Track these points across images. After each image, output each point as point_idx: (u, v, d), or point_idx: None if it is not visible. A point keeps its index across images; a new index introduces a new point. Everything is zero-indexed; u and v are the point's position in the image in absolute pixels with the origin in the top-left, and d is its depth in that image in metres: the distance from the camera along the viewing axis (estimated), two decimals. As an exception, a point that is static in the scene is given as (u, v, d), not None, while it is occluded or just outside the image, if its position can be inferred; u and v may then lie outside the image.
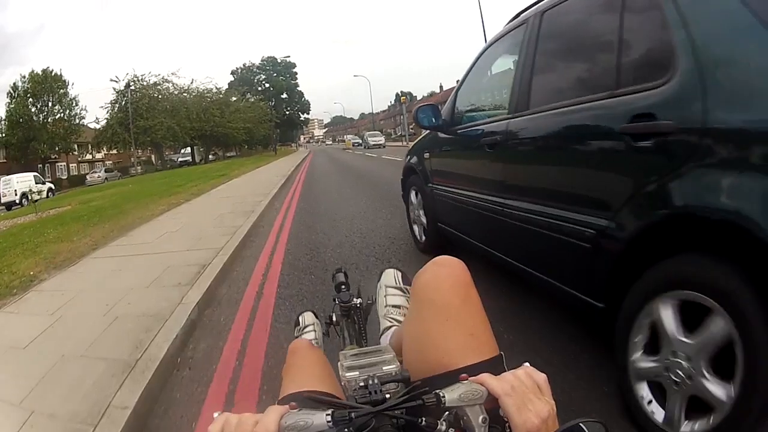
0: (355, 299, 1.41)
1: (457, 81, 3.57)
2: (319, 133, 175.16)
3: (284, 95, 63.05)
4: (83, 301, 3.44)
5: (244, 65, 61.85)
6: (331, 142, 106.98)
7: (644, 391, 1.49)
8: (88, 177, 40.20)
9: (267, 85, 60.41)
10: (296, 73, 64.31)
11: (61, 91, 39.86)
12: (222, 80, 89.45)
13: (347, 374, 0.83)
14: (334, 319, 1.45)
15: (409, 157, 4.09)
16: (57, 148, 40.43)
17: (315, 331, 1.54)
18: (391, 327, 1.35)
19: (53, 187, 30.04)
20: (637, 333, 1.51)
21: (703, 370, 1.27)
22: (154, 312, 2.95)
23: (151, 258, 4.51)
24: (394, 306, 1.39)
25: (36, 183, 28.21)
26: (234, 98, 45.66)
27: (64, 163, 48.28)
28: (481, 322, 0.86)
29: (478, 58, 3.10)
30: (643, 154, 1.48)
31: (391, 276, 1.46)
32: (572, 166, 1.93)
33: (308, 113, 71.49)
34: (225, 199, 9.14)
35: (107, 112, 38.81)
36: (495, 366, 0.79)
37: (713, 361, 1.26)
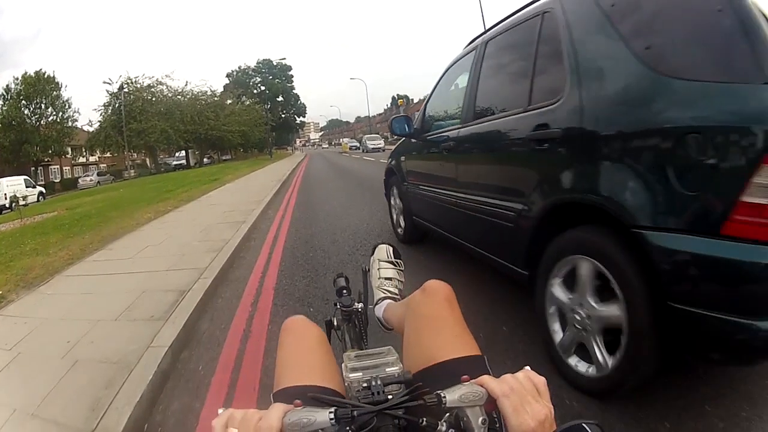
0: (356, 304, 1.42)
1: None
2: (315, 136, 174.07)
3: (280, 98, 62.16)
4: (44, 335, 2.97)
5: (239, 68, 60.89)
6: (327, 146, 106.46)
7: (555, 326, 2.00)
8: (80, 181, 39.48)
9: (263, 87, 59.45)
10: (292, 76, 63.50)
11: (54, 93, 39.12)
12: (217, 83, 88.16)
13: (351, 375, 0.87)
14: (335, 323, 1.44)
15: (390, 159, 4.67)
16: (50, 151, 39.72)
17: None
18: (384, 299, 1.44)
19: (44, 191, 29.36)
20: (549, 288, 1.97)
21: (590, 300, 1.76)
22: (118, 357, 2.45)
23: (127, 279, 4.00)
24: (386, 278, 1.48)
25: (26, 187, 27.64)
26: (229, 101, 44.92)
27: (58, 166, 47.59)
28: (464, 329, 0.99)
29: (443, 75, 3.61)
30: (542, 155, 2.00)
31: (383, 251, 1.55)
32: (499, 164, 2.51)
33: (304, 116, 70.61)
34: (215, 207, 8.62)
35: (100, 115, 38.00)
36: (478, 364, 0.88)
37: (598, 293, 1.73)
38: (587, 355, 1.82)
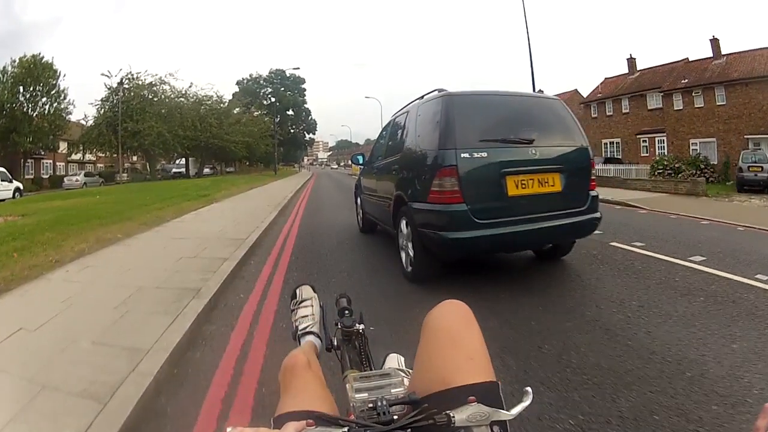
0: (357, 325, 1.40)
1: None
2: (323, 155, 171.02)
3: (290, 111, 59.78)
4: None
5: (250, 76, 58.69)
6: (336, 166, 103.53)
7: (403, 254, 4.48)
8: (65, 180, 35.98)
9: (273, 99, 56.80)
10: (305, 90, 61.26)
11: (52, 81, 36.76)
12: (227, 91, 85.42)
13: (357, 395, 0.90)
14: (335, 343, 1.42)
15: (357, 179, 7.95)
16: (40, 145, 37.26)
17: (312, 306, 1.60)
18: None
19: (21, 187, 26.72)
20: (401, 236, 4.51)
21: (405, 234, 4.41)
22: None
23: None
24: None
25: (2, 180, 25.15)
26: (237, 109, 42.50)
27: (51, 161, 45.15)
28: (481, 350, 0.93)
29: (382, 129, 6.46)
30: (395, 175, 4.82)
31: (394, 360, 1.50)
32: (387, 180, 5.17)
33: (314, 133, 68.32)
34: (177, 244, 6.03)
35: (97, 110, 35.46)
36: (491, 390, 0.84)
37: (411, 240, 4.26)
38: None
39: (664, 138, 26.78)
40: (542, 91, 6.35)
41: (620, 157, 28.66)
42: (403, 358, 1.50)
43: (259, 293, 4.07)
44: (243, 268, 4.97)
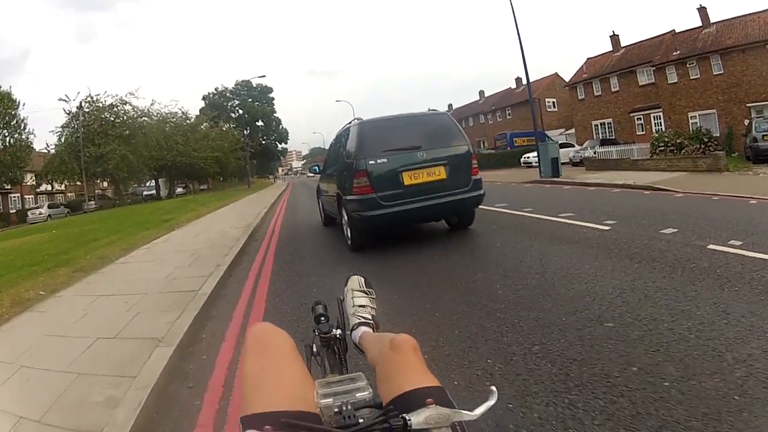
0: (334, 330, 1.43)
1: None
2: (297, 164, 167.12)
3: (260, 122, 56.99)
4: None
5: (216, 89, 55.67)
6: (312, 174, 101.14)
7: (346, 232, 6.33)
8: (29, 214, 33.93)
9: (241, 111, 52.78)
10: (273, 99, 58.56)
11: (11, 112, 34.45)
12: (192, 107, 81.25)
13: (322, 401, 0.87)
14: (314, 349, 1.43)
15: (318, 184, 9.68)
16: (3, 179, 34.90)
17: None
18: (360, 325, 1.49)
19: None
20: (343, 220, 6.38)
21: (344, 218, 6.33)
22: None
23: None
24: (360, 306, 1.59)
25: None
26: (204, 124, 40.20)
27: (18, 194, 42.55)
28: (428, 371, 0.97)
29: (330, 146, 8.82)
30: (336, 178, 6.75)
31: (356, 281, 1.64)
32: (333, 182, 7.01)
33: (286, 143, 65.24)
34: (102, 306, 4.26)
35: (58, 138, 33.21)
36: (441, 393, 0.86)
37: (347, 221, 6.20)
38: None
39: (660, 114, 25.57)
40: (435, 110, 7.76)
41: (614, 137, 27.33)
42: (363, 279, 1.65)
43: (230, 344, 2.53)
44: (184, 361, 3.08)
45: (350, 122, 6.83)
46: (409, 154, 5.86)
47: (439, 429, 0.70)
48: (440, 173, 5.85)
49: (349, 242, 6.19)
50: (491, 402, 0.74)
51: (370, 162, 5.71)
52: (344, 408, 0.82)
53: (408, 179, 5.74)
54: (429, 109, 7.64)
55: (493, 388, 0.75)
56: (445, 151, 6.01)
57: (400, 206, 5.66)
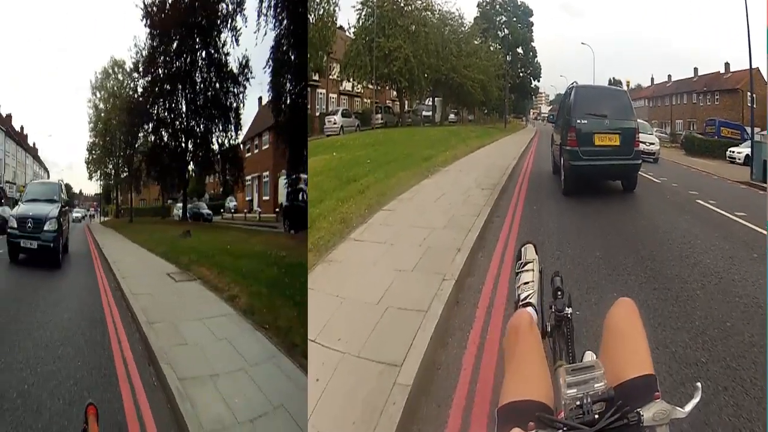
0: (566, 308, 1.49)
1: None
2: (545, 110, 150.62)
3: (519, 49, 51.06)
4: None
5: None
6: (549, 123, 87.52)
7: (561, 174, 9.05)
8: (326, 121, 26.86)
9: (506, 31, 48.25)
10: (533, 24, 50.94)
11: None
12: (466, 10, 70.86)
13: (568, 392, 0.97)
14: (548, 328, 1.52)
15: (552, 134, 11.74)
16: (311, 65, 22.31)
17: (533, 270, 1.74)
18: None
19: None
20: (559, 166, 9.28)
21: (562, 170, 8.97)
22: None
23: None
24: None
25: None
26: (477, 40, 38.15)
27: (324, 91, 31.30)
28: (641, 344, 1.13)
29: (562, 96, 11.96)
30: (561, 129, 9.46)
31: (589, 356, 1.47)
32: (559, 133, 9.50)
33: (539, 80, 57.58)
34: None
35: (356, 19, 29.35)
36: (649, 383, 0.98)
37: (562, 168, 8.88)
38: None
39: None
40: (619, 81, 8.82)
41: None
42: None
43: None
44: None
45: (572, 84, 9.03)
46: (601, 120, 7.94)
47: (661, 426, 0.78)
48: (615, 140, 7.89)
49: (563, 187, 8.48)
50: (697, 399, 0.80)
51: (578, 121, 7.89)
52: (585, 400, 0.89)
53: (597, 140, 7.82)
54: (610, 80, 9.25)
55: (698, 384, 0.83)
56: (621, 123, 8.07)
57: (591, 161, 7.73)
